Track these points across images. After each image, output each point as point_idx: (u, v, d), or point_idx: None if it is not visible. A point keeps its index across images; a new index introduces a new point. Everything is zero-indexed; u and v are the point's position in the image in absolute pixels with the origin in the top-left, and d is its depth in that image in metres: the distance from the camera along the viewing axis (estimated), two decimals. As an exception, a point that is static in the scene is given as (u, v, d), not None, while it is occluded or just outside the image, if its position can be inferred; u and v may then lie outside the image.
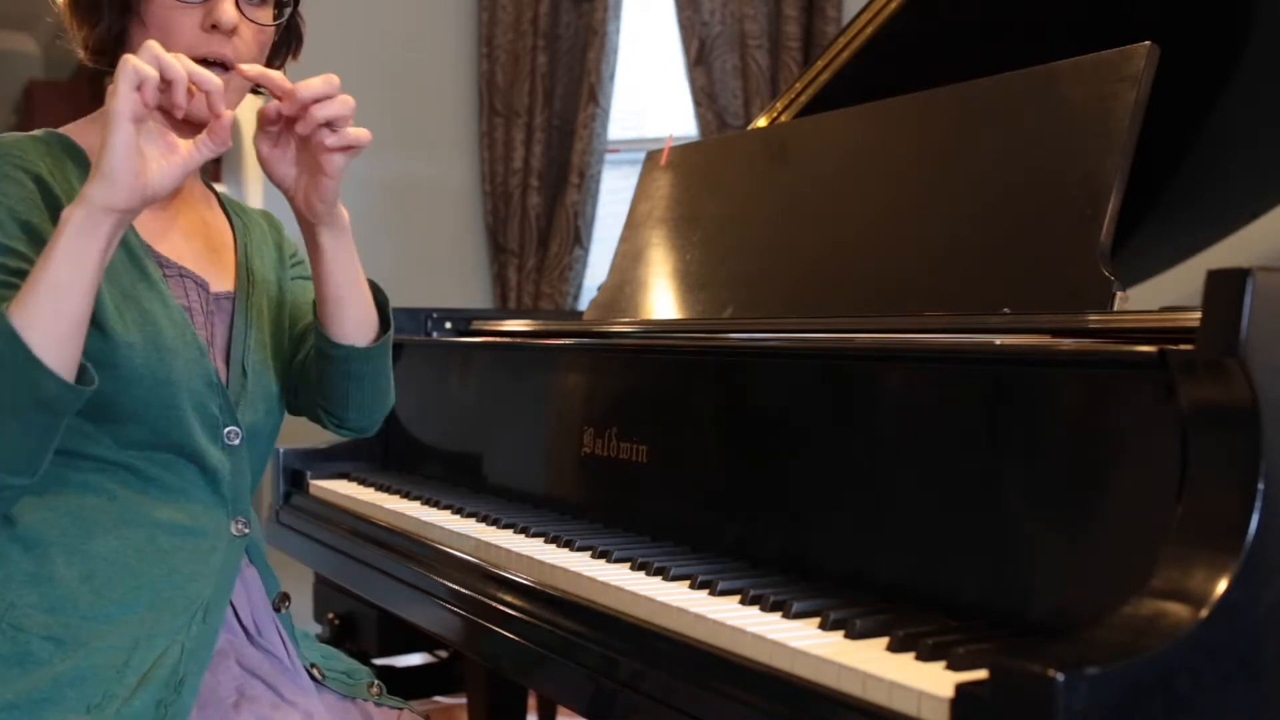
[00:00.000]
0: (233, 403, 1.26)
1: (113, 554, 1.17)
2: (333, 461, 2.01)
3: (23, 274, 1.11)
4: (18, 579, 1.14)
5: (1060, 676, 0.72)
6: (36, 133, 1.22)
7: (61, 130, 1.25)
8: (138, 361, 1.17)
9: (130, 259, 1.21)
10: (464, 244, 3.67)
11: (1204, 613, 0.78)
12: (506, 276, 3.59)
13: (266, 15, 1.26)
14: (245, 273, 1.35)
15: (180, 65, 1.07)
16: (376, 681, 1.37)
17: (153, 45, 1.07)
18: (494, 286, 3.64)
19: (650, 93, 3.66)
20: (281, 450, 1.98)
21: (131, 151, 1.05)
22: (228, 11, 1.20)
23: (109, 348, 1.15)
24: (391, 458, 2.04)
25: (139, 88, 1.04)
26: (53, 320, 1.04)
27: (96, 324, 1.14)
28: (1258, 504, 0.81)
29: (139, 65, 1.05)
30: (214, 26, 1.20)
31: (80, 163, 1.21)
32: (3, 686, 1.09)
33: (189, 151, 1.10)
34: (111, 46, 1.24)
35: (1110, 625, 0.80)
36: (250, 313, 1.33)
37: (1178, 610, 0.79)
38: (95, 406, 1.13)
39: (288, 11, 1.29)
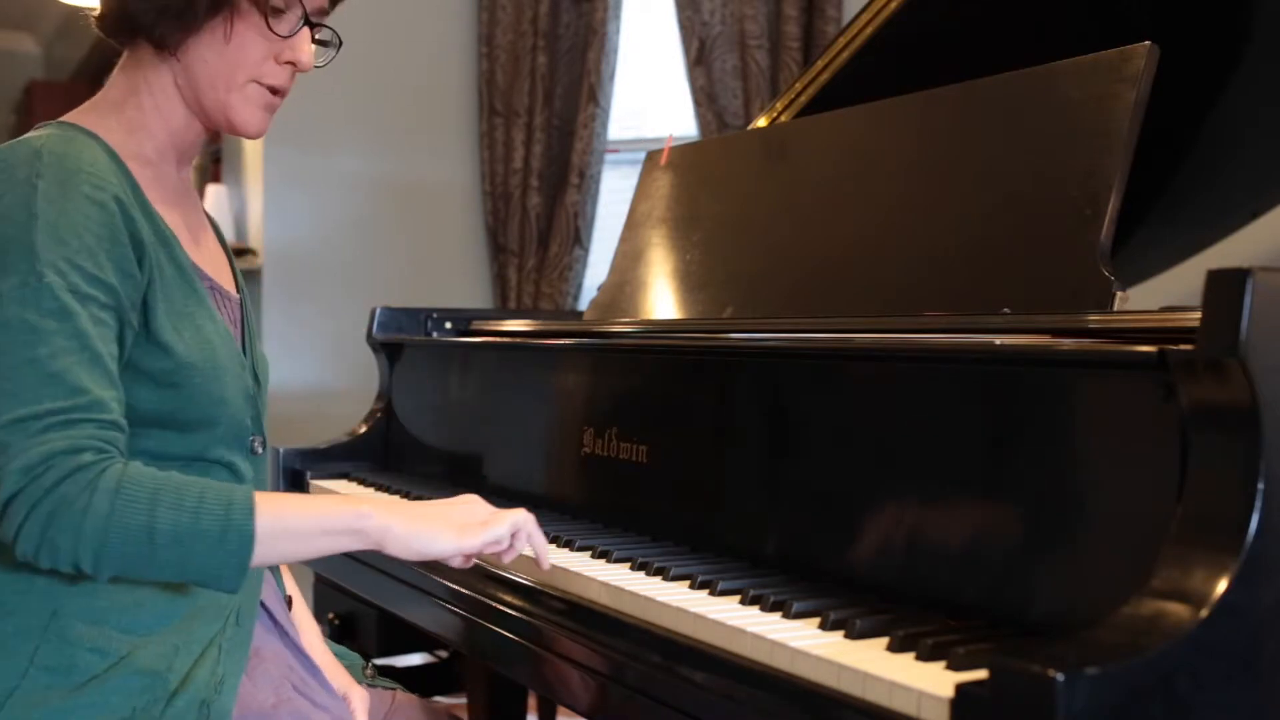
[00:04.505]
0: (259, 412, 1.26)
1: None
2: (332, 462, 2.01)
3: (110, 310, 1.08)
4: (61, 589, 1.11)
5: (1060, 676, 0.72)
6: (73, 134, 1.15)
7: (83, 125, 1.19)
8: (197, 380, 1.15)
9: (181, 276, 1.18)
10: (464, 244, 3.67)
11: (1204, 613, 0.78)
12: (506, 276, 3.59)
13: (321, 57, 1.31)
14: (237, 275, 1.35)
15: (542, 550, 1.20)
16: (370, 664, 1.39)
17: (533, 527, 1.18)
18: (494, 286, 3.64)
19: (650, 93, 3.66)
20: (281, 450, 1.97)
21: (439, 556, 1.15)
22: (310, 55, 1.24)
23: (173, 368, 1.14)
24: (391, 458, 2.04)
25: (492, 545, 1.16)
26: (277, 549, 1.09)
27: (161, 346, 1.13)
28: (1258, 504, 0.81)
29: (519, 546, 1.18)
30: (290, 63, 1.22)
31: (121, 168, 1.17)
32: (49, 693, 1.08)
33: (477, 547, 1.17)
34: (172, 33, 1.18)
35: (1110, 625, 0.80)
36: (252, 319, 1.33)
37: (1178, 610, 0.79)
38: (150, 421, 1.13)
39: (332, 54, 1.31)
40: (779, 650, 0.96)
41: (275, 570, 1.35)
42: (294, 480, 1.98)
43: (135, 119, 1.22)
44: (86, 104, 1.23)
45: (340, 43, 1.31)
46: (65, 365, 1.04)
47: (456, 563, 1.19)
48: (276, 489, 1.98)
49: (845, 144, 1.61)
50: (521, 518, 1.18)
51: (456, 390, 1.91)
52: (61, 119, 1.21)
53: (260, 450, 1.26)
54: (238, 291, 1.32)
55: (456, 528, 1.15)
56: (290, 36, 1.22)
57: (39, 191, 1.07)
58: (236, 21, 1.19)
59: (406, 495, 1.74)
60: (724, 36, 3.34)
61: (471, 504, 1.20)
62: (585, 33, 3.51)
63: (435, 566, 1.46)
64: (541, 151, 3.54)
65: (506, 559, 1.19)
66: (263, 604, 1.27)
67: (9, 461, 1.01)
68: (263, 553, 1.07)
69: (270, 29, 1.20)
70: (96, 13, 1.24)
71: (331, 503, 1.15)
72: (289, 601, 1.36)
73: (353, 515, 1.12)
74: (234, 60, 1.20)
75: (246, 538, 1.05)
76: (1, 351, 1.04)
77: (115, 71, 1.25)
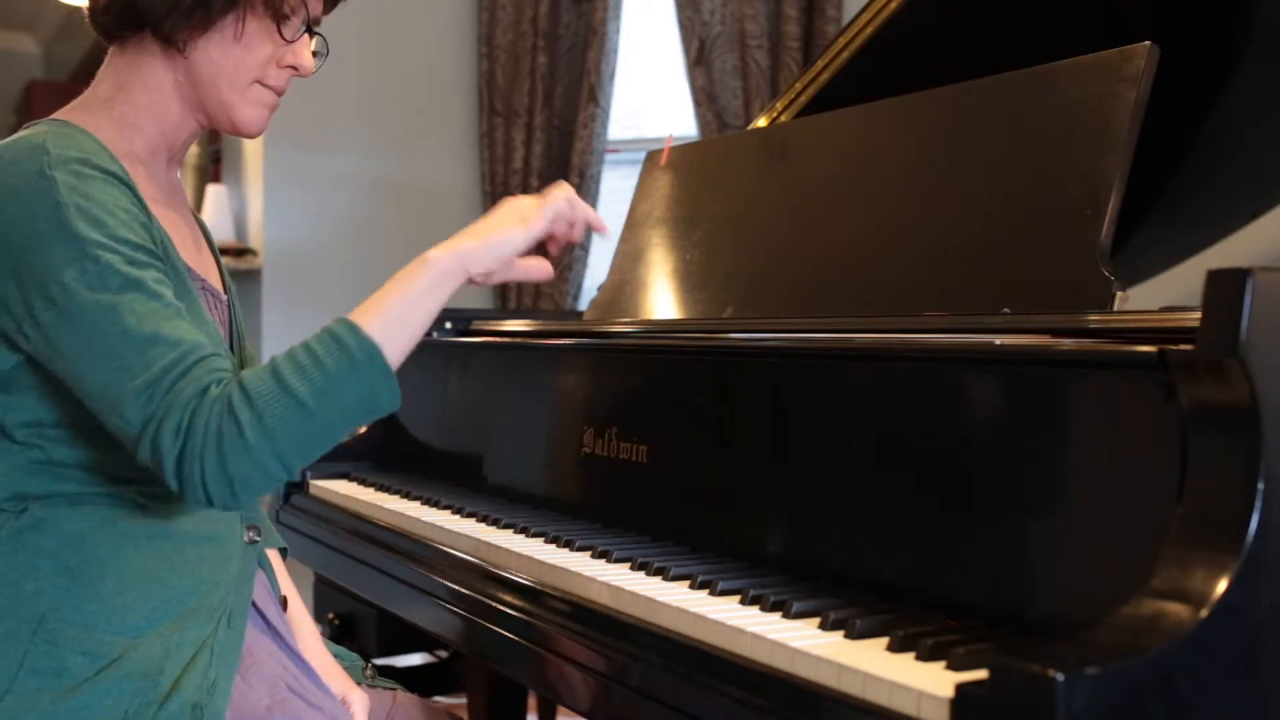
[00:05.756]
0: None
1: (143, 566, 1.15)
2: (333, 461, 2.01)
3: (161, 273, 1.10)
4: (49, 592, 1.12)
5: (1060, 676, 0.72)
6: (67, 130, 1.15)
7: (74, 121, 1.18)
8: None
9: (175, 275, 1.17)
10: (464, 244, 3.67)
11: (1204, 613, 0.78)
12: (506, 276, 3.59)
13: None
14: (225, 275, 1.34)
15: (591, 215, 1.29)
16: (370, 664, 1.39)
17: (574, 194, 1.27)
18: (494, 286, 3.64)
19: (650, 93, 3.66)
20: (281, 450, 1.97)
21: (518, 249, 1.21)
22: (311, 60, 1.26)
23: None
24: (391, 458, 2.04)
25: (556, 219, 1.24)
26: (398, 339, 1.15)
27: None
28: (1258, 504, 0.81)
29: (568, 209, 1.26)
30: (291, 66, 1.24)
31: (116, 163, 1.17)
32: (40, 696, 1.08)
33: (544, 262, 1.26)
34: (181, 30, 1.18)
35: (1110, 625, 0.80)
36: (240, 320, 1.33)
37: (1178, 610, 0.79)
38: None
39: (321, 62, 1.30)
40: (779, 650, 0.96)
41: (269, 570, 1.34)
42: (293, 480, 1.98)
43: (126, 116, 1.21)
44: (74, 102, 1.22)
45: (328, 52, 1.31)
46: (156, 325, 1.07)
47: (536, 274, 1.24)
48: (278, 489, 1.98)
49: (845, 144, 1.61)
50: (566, 189, 1.27)
51: (456, 390, 1.91)
52: (52, 117, 1.20)
53: None
54: (225, 293, 1.31)
55: (518, 220, 1.22)
56: (294, 41, 1.23)
57: (57, 182, 1.08)
58: (249, 21, 1.19)
59: (406, 495, 1.75)
60: (724, 36, 3.34)
61: (513, 202, 1.25)
62: (585, 33, 3.51)
63: (434, 566, 1.46)
64: (541, 151, 3.54)
65: (578, 233, 1.28)
66: (256, 605, 1.27)
67: (158, 427, 1.04)
68: (390, 350, 1.13)
69: (280, 32, 1.21)
70: (89, 5, 1.21)
71: (406, 273, 1.19)
72: (284, 602, 1.36)
73: (429, 266, 1.17)
74: (240, 60, 1.20)
75: (372, 350, 1.10)
76: (93, 338, 1.06)
77: (103, 68, 1.23)
